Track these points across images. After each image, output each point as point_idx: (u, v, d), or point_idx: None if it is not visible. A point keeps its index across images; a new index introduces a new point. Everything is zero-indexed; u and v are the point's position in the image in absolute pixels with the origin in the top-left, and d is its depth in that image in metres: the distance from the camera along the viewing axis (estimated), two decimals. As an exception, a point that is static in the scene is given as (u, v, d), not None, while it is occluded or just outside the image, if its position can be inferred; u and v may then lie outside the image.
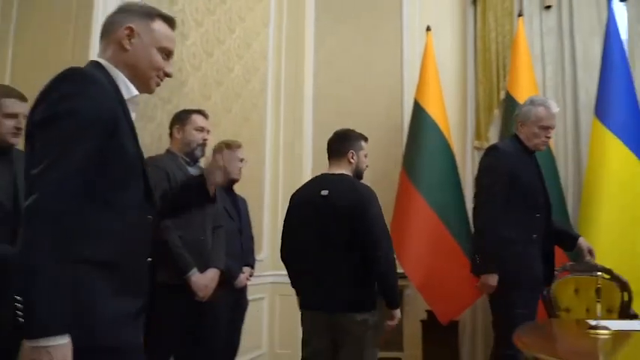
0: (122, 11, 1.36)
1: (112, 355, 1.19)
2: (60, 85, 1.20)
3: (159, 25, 1.36)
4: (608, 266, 2.86)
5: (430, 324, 3.76)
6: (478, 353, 3.97)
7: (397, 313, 2.33)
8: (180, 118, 2.52)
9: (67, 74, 1.22)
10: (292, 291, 2.50)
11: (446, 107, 3.94)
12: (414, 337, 3.94)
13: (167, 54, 1.38)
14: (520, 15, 3.96)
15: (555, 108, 2.70)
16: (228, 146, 2.78)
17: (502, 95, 4.03)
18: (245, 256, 2.90)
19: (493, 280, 2.49)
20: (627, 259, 3.14)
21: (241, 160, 2.85)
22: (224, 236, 2.57)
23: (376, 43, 4.39)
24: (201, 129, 2.51)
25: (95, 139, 1.18)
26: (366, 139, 2.47)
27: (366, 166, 2.49)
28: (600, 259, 2.85)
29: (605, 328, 1.90)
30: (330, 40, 4.42)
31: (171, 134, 2.55)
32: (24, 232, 1.11)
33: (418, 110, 3.82)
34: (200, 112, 2.55)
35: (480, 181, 2.71)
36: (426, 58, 3.91)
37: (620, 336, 1.88)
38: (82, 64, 1.33)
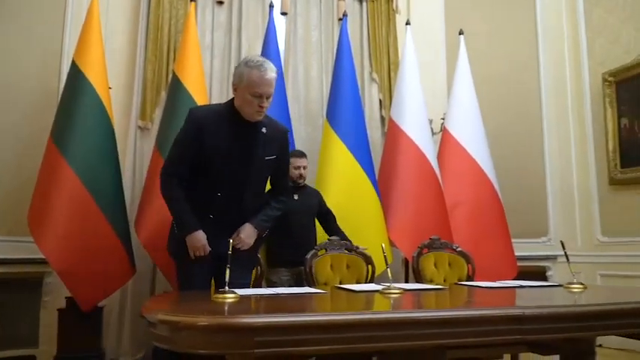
0: None
1: None
2: None
3: None
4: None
5: (70, 313, 3.34)
6: (124, 338, 3.79)
7: None
8: None
9: None
10: None
11: (110, 80, 3.64)
12: (51, 330, 3.49)
13: None
14: (193, 1, 3.99)
15: (272, 73, 2.29)
16: None
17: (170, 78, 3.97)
18: None
19: None
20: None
21: None
22: None
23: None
24: None
25: None
26: None
27: None
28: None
29: (233, 292, 2.05)
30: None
31: None
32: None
33: (76, 73, 3.39)
34: None
35: None
36: (89, 19, 3.51)
37: (244, 298, 2.05)
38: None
